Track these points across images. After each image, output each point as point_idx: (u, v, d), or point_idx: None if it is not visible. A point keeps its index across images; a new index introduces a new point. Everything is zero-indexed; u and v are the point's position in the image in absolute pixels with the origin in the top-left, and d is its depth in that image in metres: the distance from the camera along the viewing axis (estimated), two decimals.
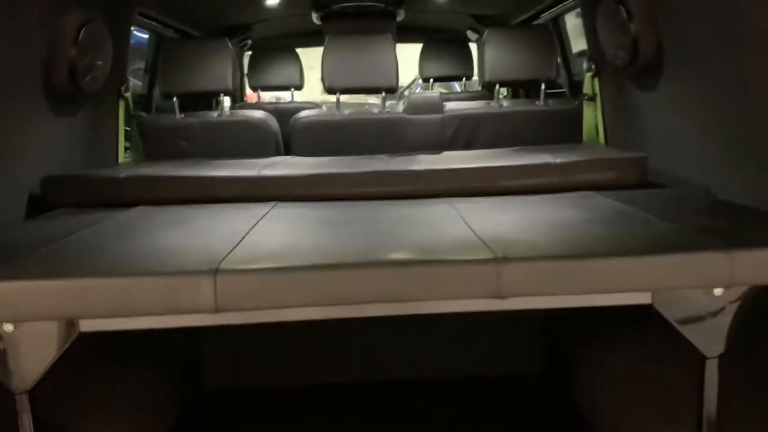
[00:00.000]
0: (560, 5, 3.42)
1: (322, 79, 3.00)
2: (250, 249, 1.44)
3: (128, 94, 2.85)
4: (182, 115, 3.01)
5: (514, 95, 4.09)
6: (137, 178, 2.21)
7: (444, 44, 4.36)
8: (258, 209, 2.02)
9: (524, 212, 1.85)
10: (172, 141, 2.99)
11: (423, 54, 4.33)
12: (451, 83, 5.99)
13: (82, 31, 2.32)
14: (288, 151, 3.06)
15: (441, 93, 4.30)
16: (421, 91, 12.37)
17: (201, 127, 2.98)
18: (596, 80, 2.84)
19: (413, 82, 13.70)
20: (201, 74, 2.95)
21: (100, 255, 1.45)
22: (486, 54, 2.97)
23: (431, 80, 4.33)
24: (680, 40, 2.16)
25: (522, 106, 3.00)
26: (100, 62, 2.47)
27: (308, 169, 2.30)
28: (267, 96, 5.04)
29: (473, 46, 4.60)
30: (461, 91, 4.30)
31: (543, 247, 1.38)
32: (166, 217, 1.91)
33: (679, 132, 2.23)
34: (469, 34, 4.85)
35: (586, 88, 2.89)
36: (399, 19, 4.23)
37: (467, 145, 2.99)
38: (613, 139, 2.78)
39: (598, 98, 2.84)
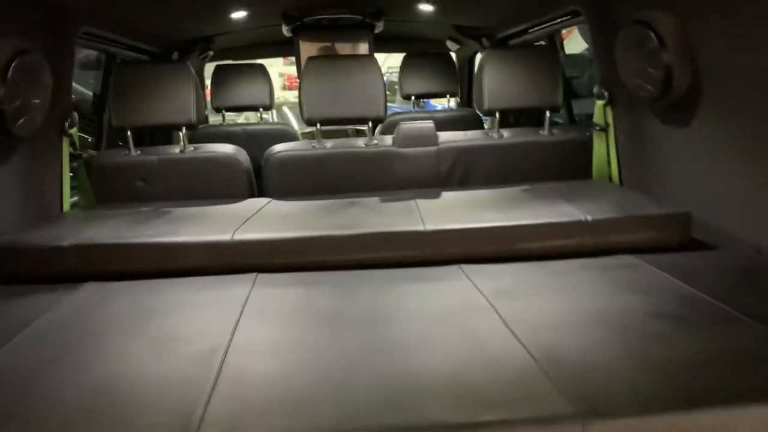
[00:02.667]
0: (557, 21, 3.12)
1: (300, 110, 2.63)
2: (236, 389, 1.09)
3: (73, 131, 2.44)
4: (138, 152, 2.60)
5: (504, 121, 3.75)
6: (85, 248, 1.82)
7: (426, 58, 4.00)
8: (235, 289, 1.66)
9: (565, 295, 1.53)
10: (126, 182, 2.58)
11: (404, 68, 3.97)
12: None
13: (12, 65, 1.90)
14: (261, 189, 2.69)
15: (413, 111, 3.98)
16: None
17: (160, 165, 2.58)
18: (608, 109, 2.54)
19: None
20: (160, 104, 2.55)
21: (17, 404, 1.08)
22: (485, 78, 2.64)
23: (412, 98, 3.98)
24: (719, 73, 1.87)
25: (525, 136, 2.69)
26: (36, 100, 2.06)
27: (291, 228, 1.94)
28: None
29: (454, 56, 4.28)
30: (444, 109, 3.96)
31: (628, 378, 1.06)
32: (120, 313, 1.54)
33: (716, 177, 1.95)
34: (449, 44, 4.53)
35: (597, 118, 2.59)
36: (377, 31, 3.88)
37: (464, 181, 2.67)
38: (627, 176, 2.49)
39: (611, 129, 2.54)
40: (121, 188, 2.58)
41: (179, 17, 3.29)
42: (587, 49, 4.38)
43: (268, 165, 2.61)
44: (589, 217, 1.85)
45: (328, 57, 2.74)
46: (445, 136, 2.69)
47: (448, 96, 4.01)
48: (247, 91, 3.78)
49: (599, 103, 2.58)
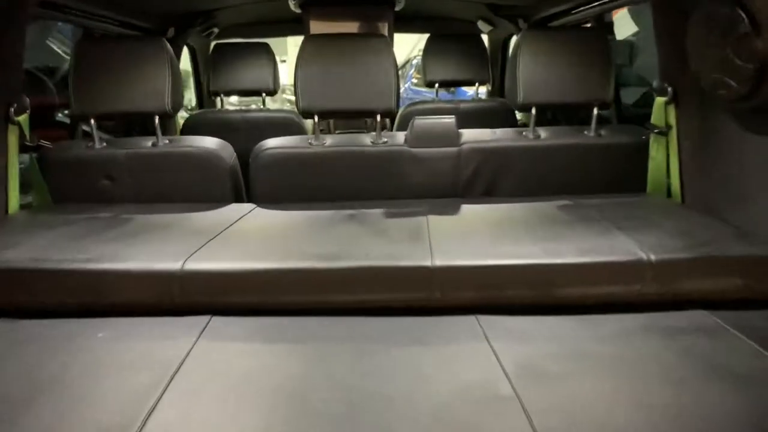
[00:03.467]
0: (611, 0, 2.62)
1: (296, 98, 2.20)
2: None
3: (23, 118, 2.04)
4: (103, 144, 2.20)
5: (541, 118, 3.24)
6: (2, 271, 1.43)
7: (453, 40, 3.51)
8: (175, 341, 1.25)
9: (620, 378, 1.09)
10: (88, 179, 2.18)
11: (427, 51, 3.49)
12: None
13: None
14: (249, 192, 2.28)
15: (435, 99, 3.51)
16: (416, 80, 11.39)
17: (129, 161, 2.18)
18: (671, 108, 2.06)
19: (406, 63, 12.72)
20: (128, 89, 2.14)
21: None
22: (520, 65, 2.17)
23: (436, 85, 3.50)
24: None
25: (567, 137, 2.21)
26: None
27: (264, 253, 1.52)
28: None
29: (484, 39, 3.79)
30: (471, 98, 3.47)
31: None
32: (8, 378, 1.15)
33: None
34: (481, 25, 4.03)
35: (656, 118, 2.11)
36: (398, 8, 3.41)
37: (489, 190, 2.21)
38: (692, 192, 2.01)
39: (673, 133, 2.06)
40: (83, 186, 2.19)
41: None
42: (635, 34, 3.86)
43: (255, 164, 2.19)
44: (653, 257, 1.40)
45: (330, 36, 2.29)
46: (469, 135, 2.23)
47: (477, 84, 3.52)
48: (248, 73, 3.34)
49: (659, 100, 2.10)
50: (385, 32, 3.47)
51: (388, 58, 2.18)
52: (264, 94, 3.42)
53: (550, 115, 3.07)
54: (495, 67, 4.24)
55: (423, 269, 1.40)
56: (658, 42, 2.09)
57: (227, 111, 3.33)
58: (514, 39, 4.08)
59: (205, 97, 4.15)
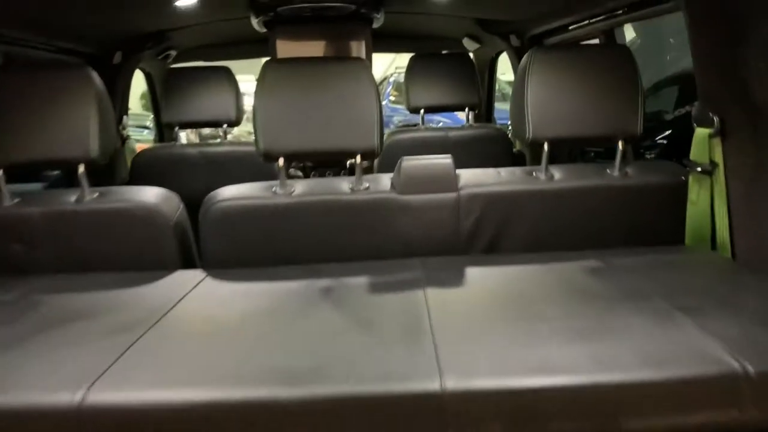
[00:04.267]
0: (620, 12, 2.25)
1: (255, 137, 1.78)
2: None
3: None
4: (15, 200, 1.76)
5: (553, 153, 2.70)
6: None
7: (439, 60, 3.11)
8: None
9: None
10: None
11: (410, 73, 3.09)
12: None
13: None
14: (201, 256, 1.85)
15: (421, 126, 3.11)
16: (393, 98, 11.04)
17: (48, 222, 1.74)
18: (717, 142, 1.68)
19: (384, 80, 12.39)
20: (44, 131, 1.71)
21: None
22: (530, 91, 1.77)
23: (422, 111, 3.10)
24: None
25: (586, 177, 1.82)
26: None
27: (197, 379, 1.09)
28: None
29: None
30: (463, 126, 3.07)
31: None
32: None
33: None
34: (466, 43, 3.66)
35: (697, 153, 1.73)
36: (377, 26, 3.02)
37: (494, 245, 1.81)
38: (745, 245, 1.63)
39: (719, 172, 1.68)
40: None
41: (112, 6, 2.44)
42: (632, 42, 3.51)
43: (205, 219, 1.76)
44: (750, 367, 0.99)
45: (297, 60, 1.87)
46: (469, 177, 1.83)
47: (467, 109, 3.13)
48: (206, 101, 2.90)
49: (701, 132, 1.72)
50: (362, 53, 3.08)
51: (368, 85, 1.77)
52: (225, 126, 2.99)
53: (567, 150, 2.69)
54: (482, 89, 3.87)
55: (429, 397, 0.98)
56: (696, 61, 1.71)
57: (183, 146, 2.89)
58: (502, 57, 3.71)
59: (166, 130, 3.71)
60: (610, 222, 1.81)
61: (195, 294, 1.53)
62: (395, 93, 11.75)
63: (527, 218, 1.80)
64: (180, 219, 1.82)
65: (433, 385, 0.99)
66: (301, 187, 1.80)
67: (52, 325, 1.33)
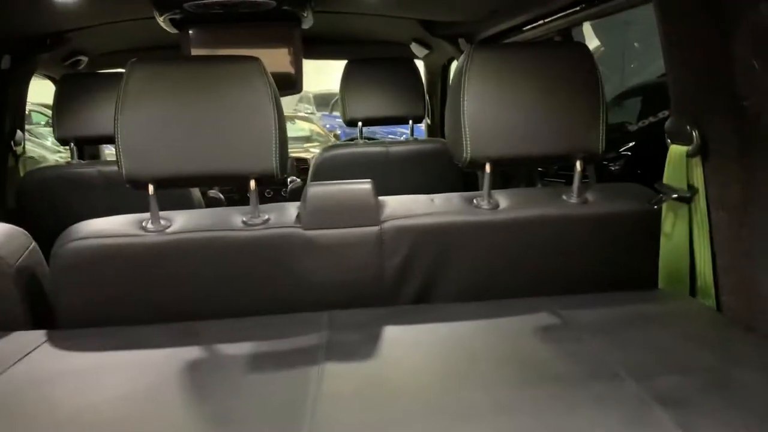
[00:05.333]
0: (584, 8, 1.92)
1: (116, 158, 1.39)
2: None
3: None
4: None
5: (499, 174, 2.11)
6: None
7: (379, 66, 2.74)
8: None
9: None
10: None
11: (346, 81, 2.72)
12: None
13: None
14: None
15: (358, 141, 2.75)
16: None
17: None
18: (697, 162, 1.35)
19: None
20: None
21: None
22: (466, 101, 1.42)
23: (359, 124, 2.73)
24: None
25: (538, 205, 1.47)
26: None
27: None
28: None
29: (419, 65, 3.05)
30: (407, 140, 2.71)
31: None
32: None
33: None
34: (415, 48, 3.32)
35: (671, 176, 1.40)
36: (306, 26, 2.65)
37: (426, 293, 1.46)
38: (730, 290, 1.30)
39: (701, 198, 1.35)
40: None
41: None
42: (595, 50, 3.22)
43: (56, 262, 1.37)
44: None
45: (168, 61, 1.48)
46: (395, 207, 1.47)
47: (411, 122, 2.77)
48: (101, 113, 2.49)
49: (676, 149, 1.39)
50: (292, 59, 2.71)
51: (263, 90, 1.40)
52: None
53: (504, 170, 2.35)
54: (434, 98, 3.54)
55: None
56: (669, 63, 1.39)
57: (80, 164, 2.48)
58: (454, 64, 3.38)
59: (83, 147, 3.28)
60: (567, 261, 1.47)
61: (21, 367, 1.14)
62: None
63: (467, 257, 1.45)
64: (28, 263, 1.42)
65: None
66: (179, 221, 1.42)
67: None
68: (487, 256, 1.45)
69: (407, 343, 1.20)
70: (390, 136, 7.55)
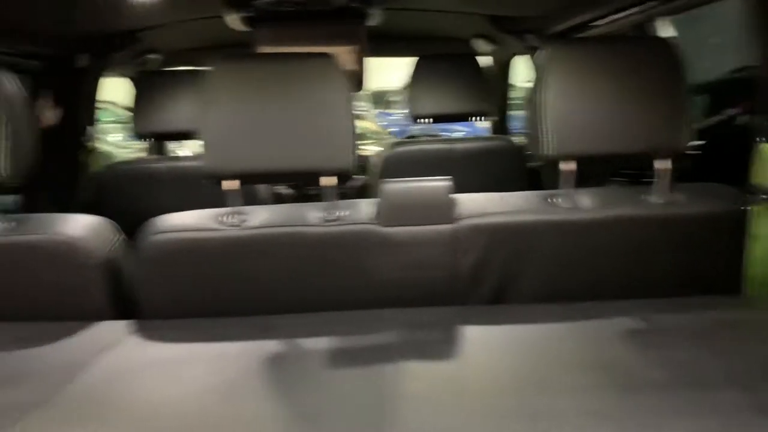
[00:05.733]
0: (663, 2, 1.86)
1: (200, 156, 1.42)
2: None
3: None
4: None
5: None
6: None
7: (446, 63, 2.72)
8: None
9: None
10: None
11: (413, 79, 2.70)
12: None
13: None
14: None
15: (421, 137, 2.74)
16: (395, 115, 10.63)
17: None
18: None
19: (405, 88, 12.06)
20: None
21: None
22: (546, 97, 1.39)
23: (426, 120, 2.71)
24: None
25: (618, 205, 1.43)
26: None
27: None
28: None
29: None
30: (472, 138, 2.68)
31: None
32: None
33: None
34: (477, 44, 3.28)
35: (762, 175, 1.34)
36: (372, 23, 2.66)
37: (501, 294, 1.43)
38: None
39: None
40: None
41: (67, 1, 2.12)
42: None
43: (140, 254, 1.41)
44: None
45: (251, 57, 1.50)
46: (470, 204, 1.45)
47: (472, 118, 2.73)
48: (177, 110, 2.54)
49: (767, 147, 1.33)
50: (357, 56, 2.72)
51: (340, 87, 1.41)
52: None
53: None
54: (496, 96, 3.49)
55: None
56: (761, 53, 1.33)
57: (151, 160, 2.55)
58: (516, 60, 3.33)
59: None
60: (648, 263, 1.42)
61: (109, 358, 1.18)
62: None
63: (544, 258, 1.42)
64: (114, 255, 1.46)
65: None
66: (258, 216, 1.44)
67: None
68: (565, 257, 1.41)
69: (485, 344, 1.18)
70: (443, 133, 7.47)
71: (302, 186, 3.05)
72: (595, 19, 2.29)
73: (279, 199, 2.80)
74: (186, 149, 3.97)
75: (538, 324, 1.24)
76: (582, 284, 1.40)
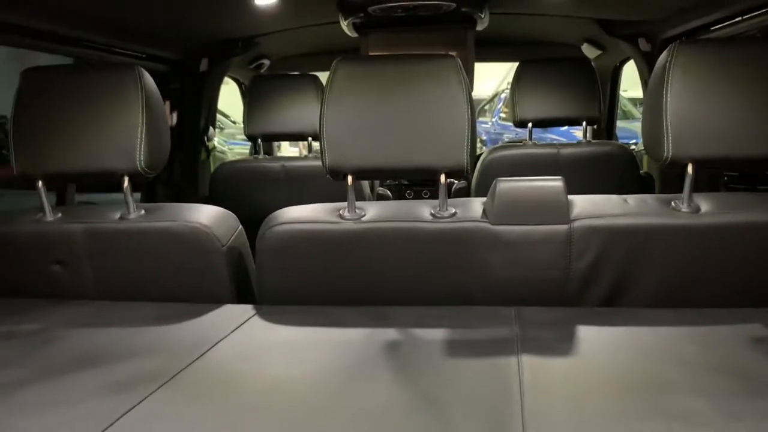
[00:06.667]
0: None
1: (320, 150, 1.49)
2: None
3: None
4: (58, 215, 1.58)
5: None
6: None
7: (553, 66, 2.70)
8: None
9: None
10: (33, 264, 1.56)
11: (518, 81, 2.70)
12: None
13: None
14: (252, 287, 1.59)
15: (526, 141, 2.71)
16: (504, 114, 10.55)
17: (88, 240, 1.53)
18: None
19: (495, 96, 11.92)
20: (83, 140, 1.50)
21: None
22: (670, 96, 1.36)
23: (529, 125, 2.70)
24: None
25: (745, 210, 1.38)
26: None
27: None
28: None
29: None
30: (578, 142, 2.64)
31: None
32: None
33: None
34: (586, 50, 3.23)
35: None
36: (480, 27, 2.68)
37: (615, 297, 1.41)
38: None
39: None
40: (25, 273, 1.57)
41: (191, 7, 2.27)
42: None
43: (261, 245, 1.49)
44: None
45: (370, 59, 1.55)
46: (586, 205, 1.44)
47: (584, 124, 2.69)
48: (290, 112, 2.66)
49: None
50: (465, 60, 2.74)
51: (458, 88, 1.44)
52: (310, 139, 2.75)
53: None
54: (603, 101, 3.41)
55: None
56: None
57: (265, 159, 2.68)
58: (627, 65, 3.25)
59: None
60: None
61: (233, 339, 1.26)
62: (506, 110, 11.26)
63: (663, 262, 1.39)
64: (236, 243, 1.56)
65: None
66: (372, 211, 1.49)
67: (57, 370, 1.10)
68: (685, 262, 1.38)
69: (604, 344, 1.17)
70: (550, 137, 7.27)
71: (406, 187, 3.10)
72: (713, 24, 2.21)
73: (381, 199, 2.87)
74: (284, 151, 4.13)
75: (656, 326, 1.22)
76: (701, 291, 1.36)
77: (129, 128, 1.48)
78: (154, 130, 1.52)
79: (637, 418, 0.87)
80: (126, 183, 1.51)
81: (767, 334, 1.15)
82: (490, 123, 11.46)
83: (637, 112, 8.35)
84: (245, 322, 1.35)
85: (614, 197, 1.46)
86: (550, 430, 0.84)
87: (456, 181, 3.41)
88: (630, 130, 6.87)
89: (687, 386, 0.95)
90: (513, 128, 5.99)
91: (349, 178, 1.46)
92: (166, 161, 1.60)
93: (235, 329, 1.31)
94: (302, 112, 2.68)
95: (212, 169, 3.00)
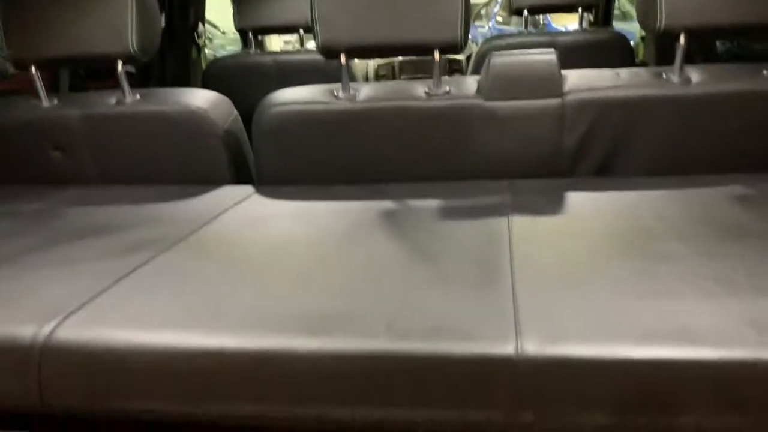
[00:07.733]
0: None
1: (313, 30, 1.48)
2: None
3: None
4: (53, 101, 1.58)
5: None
6: None
7: None
8: None
9: None
10: (31, 150, 1.58)
11: None
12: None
13: None
14: (249, 170, 1.62)
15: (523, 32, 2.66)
16: (501, 18, 10.23)
17: (86, 126, 1.55)
18: None
19: (490, 0, 11.52)
20: (75, 24, 1.49)
21: None
22: None
23: (524, 13, 2.63)
24: None
25: (734, 80, 1.39)
26: None
27: (193, 321, 0.84)
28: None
29: None
30: (575, 30, 2.59)
31: None
32: None
33: None
34: None
35: None
36: None
37: (608, 165, 1.45)
38: None
39: None
40: (24, 160, 1.59)
41: None
42: None
43: (258, 127, 1.51)
44: None
45: None
46: (577, 79, 1.45)
47: (580, 10, 2.63)
48: (282, 3, 2.59)
49: None
50: None
51: None
52: (302, 32, 2.69)
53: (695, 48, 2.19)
54: None
55: (498, 365, 0.69)
56: None
57: (257, 54, 2.64)
58: None
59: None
60: (765, 139, 1.39)
61: (234, 213, 1.30)
62: (502, 13, 10.91)
63: (653, 133, 1.41)
64: (232, 127, 1.58)
65: (505, 349, 0.70)
66: (367, 91, 1.50)
67: (63, 239, 1.15)
68: (675, 132, 1.40)
69: (592, 206, 1.22)
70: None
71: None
72: None
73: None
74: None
75: (644, 190, 1.26)
76: (691, 159, 1.39)
77: (119, 9, 1.46)
78: (145, 11, 1.50)
79: (619, 259, 0.92)
80: (120, 67, 1.51)
81: (746, 193, 1.19)
82: (486, 27, 11.16)
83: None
84: (246, 198, 1.39)
85: (606, 71, 1.47)
86: (538, 271, 0.89)
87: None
88: (629, 32, 6.73)
89: (667, 234, 1.00)
90: (509, 31, 5.86)
91: (343, 57, 1.46)
92: (158, 45, 1.59)
93: (236, 204, 1.35)
94: (293, 2, 2.62)
95: (201, 67, 2.96)
